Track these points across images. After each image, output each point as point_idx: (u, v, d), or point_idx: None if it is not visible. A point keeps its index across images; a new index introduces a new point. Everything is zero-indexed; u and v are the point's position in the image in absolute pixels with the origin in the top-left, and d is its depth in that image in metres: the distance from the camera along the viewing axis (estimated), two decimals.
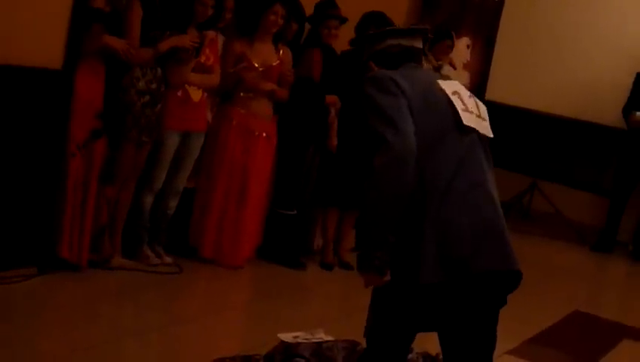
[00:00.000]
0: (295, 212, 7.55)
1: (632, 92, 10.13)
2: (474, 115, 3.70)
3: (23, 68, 5.79)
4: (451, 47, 9.44)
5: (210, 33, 6.82)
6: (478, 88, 10.68)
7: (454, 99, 3.66)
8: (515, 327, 6.84)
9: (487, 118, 3.79)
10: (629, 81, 10.20)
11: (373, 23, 7.71)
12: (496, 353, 5.96)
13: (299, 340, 5.24)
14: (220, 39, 7.10)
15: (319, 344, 5.23)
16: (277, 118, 7.33)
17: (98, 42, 6.07)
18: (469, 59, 10.64)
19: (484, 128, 3.74)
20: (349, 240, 7.75)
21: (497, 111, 10.82)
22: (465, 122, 3.62)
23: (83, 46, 6.07)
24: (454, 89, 3.73)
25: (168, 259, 6.84)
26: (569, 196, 10.96)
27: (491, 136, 3.76)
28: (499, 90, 10.96)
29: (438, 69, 9.23)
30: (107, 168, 6.35)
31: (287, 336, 5.27)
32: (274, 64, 7.14)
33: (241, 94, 7.08)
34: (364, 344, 3.92)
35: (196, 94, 6.75)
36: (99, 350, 5.14)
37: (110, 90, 6.22)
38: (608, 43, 10.83)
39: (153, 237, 6.88)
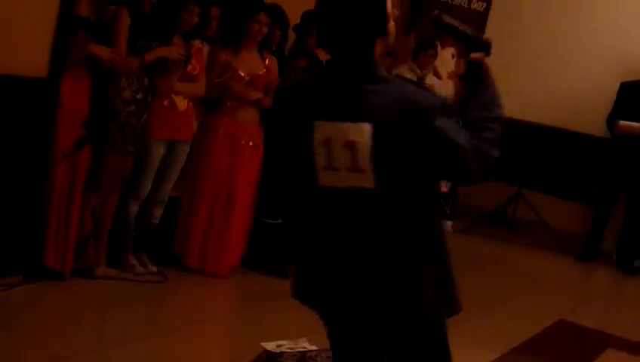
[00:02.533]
0: (280, 221, 7.54)
1: (616, 101, 10.16)
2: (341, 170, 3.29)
3: (8, 76, 5.78)
4: (434, 56, 9.48)
5: (196, 42, 6.83)
6: (462, 98, 10.71)
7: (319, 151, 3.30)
8: (499, 336, 6.88)
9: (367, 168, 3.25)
10: (613, 90, 10.22)
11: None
12: None
13: (283, 349, 5.25)
14: (206, 48, 7.11)
15: (303, 353, 5.24)
16: (264, 126, 7.33)
17: (84, 50, 6.07)
18: (453, 68, 10.66)
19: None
20: None
21: None
22: (320, 183, 3.37)
23: (69, 54, 6.07)
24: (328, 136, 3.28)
25: (153, 268, 6.83)
26: (554, 205, 10.97)
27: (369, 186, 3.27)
28: None
29: (421, 79, 9.27)
30: (91, 177, 6.34)
31: (270, 345, 5.28)
32: (260, 73, 7.15)
33: (228, 103, 7.08)
34: None
35: (182, 103, 6.76)
36: (83, 359, 5.13)
37: (96, 99, 6.21)
38: (592, 53, 10.86)
39: (138, 246, 6.87)
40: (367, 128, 3.20)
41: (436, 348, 3.68)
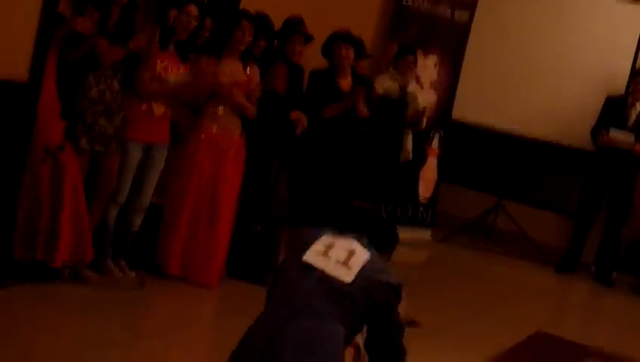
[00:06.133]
0: (259, 228, 7.54)
1: (601, 113, 10.19)
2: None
3: None
4: (414, 62, 9.48)
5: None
6: (444, 107, 10.74)
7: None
8: (477, 347, 6.89)
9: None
10: (596, 102, 10.27)
11: (340, 40, 7.79)
12: None
13: None
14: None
15: None
16: (245, 134, 7.33)
17: (68, 26, 6.07)
18: (436, 77, 10.69)
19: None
20: None
21: (464, 131, 11.01)
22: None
23: (54, 34, 6.04)
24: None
25: (132, 274, 6.81)
26: (534, 216, 11.01)
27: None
28: (465, 109, 11.00)
29: (403, 87, 9.28)
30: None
31: None
32: (241, 81, 7.13)
33: (211, 109, 7.05)
34: None
35: (159, 109, 6.75)
36: None
37: (66, 100, 6.23)
38: (576, 65, 10.90)
39: (117, 252, 6.85)
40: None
41: None
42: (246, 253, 7.49)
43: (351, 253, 4.20)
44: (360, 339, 4.40)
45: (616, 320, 9.30)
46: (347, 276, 4.11)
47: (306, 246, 4.23)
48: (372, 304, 4.14)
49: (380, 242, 4.47)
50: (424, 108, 9.43)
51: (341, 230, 4.42)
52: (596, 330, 8.84)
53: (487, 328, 7.55)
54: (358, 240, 4.31)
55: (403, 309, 4.42)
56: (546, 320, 8.34)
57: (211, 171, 7.09)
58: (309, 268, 4.15)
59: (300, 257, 4.19)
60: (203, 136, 7.07)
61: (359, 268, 4.15)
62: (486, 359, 6.64)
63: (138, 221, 6.93)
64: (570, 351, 7.52)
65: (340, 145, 7.84)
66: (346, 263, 4.15)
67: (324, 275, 4.11)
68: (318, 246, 4.22)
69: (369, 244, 4.34)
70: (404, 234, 9.98)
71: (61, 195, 6.09)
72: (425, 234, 10.56)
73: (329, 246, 4.21)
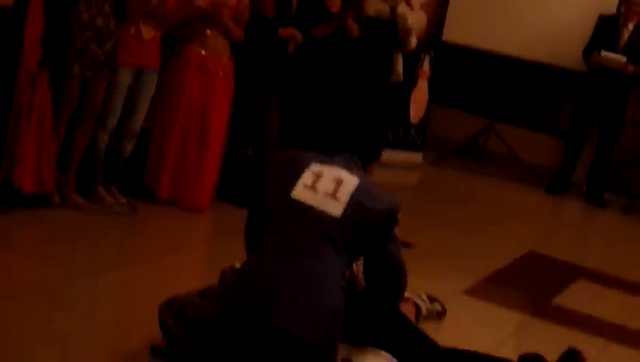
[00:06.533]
0: (250, 152, 7.51)
1: (593, 34, 10.16)
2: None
3: None
4: None
5: None
6: (435, 29, 10.65)
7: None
8: (470, 267, 6.92)
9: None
10: (588, 22, 10.21)
11: None
12: (451, 293, 6.07)
13: None
14: None
15: None
16: (233, 58, 7.26)
17: None
18: None
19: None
20: None
21: (454, 53, 10.94)
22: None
23: None
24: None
25: (123, 200, 6.79)
26: (525, 138, 10.99)
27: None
28: (456, 31, 10.93)
29: (394, 9, 9.18)
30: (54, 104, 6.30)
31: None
32: (230, 3, 7.05)
33: (198, 32, 6.97)
34: None
35: (148, 32, 6.66)
36: (52, 290, 5.11)
37: (54, 26, 6.14)
38: None
39: (108, 178, 6.82)
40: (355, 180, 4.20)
41: None
42: (237, 176, 7.46)
43: (339, 183, 4.18)
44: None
45: (608, 239, 9.35)
46: (336, 209, 4.10)
47: (293, 178, 4.21)
48: (364, 232, 4.14)
49: (365, 150, 4.50)
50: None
51: (330, 151, 4.44)
52: (588, 250, 8.88)
53: (480, 249, 7.57)
54: (346, 166, 4.29)
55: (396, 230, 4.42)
56: (537, 240, 8.36)
57: (200, 93, 7.03)
58: (298, 205, 4.14)
59: (289, 193, 4.17)
60: (191, 59, 7.00)
61: (348, 198, 4.14)
62: (479, 279, 6.67)
63: (129, 147, 6.88)
64: (562, 270, 7.56)
65: (331, 66, 7.78)
66: (334, 195, 4.14)
67: (313, 211, 4.11)
68: (306, 178, 4.19)
69: (356, 164, 4.35)
70: (396, 157, 10.08)
71: (26, 123, 6.06)
72: (416, 157, 10.55)
73: (317, 177, 4.19)
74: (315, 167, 4.22)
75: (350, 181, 4.20)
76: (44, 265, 5.54)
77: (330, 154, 4.42)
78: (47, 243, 5.93)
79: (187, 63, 7.00)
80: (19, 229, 6.03)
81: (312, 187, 4.14)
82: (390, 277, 4.35)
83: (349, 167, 4.30)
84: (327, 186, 4.14)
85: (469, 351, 4.64)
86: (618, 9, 10.30)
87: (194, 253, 6.60)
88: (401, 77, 9.48)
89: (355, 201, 4.13)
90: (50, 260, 5.65)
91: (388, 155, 9.94)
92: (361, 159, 4.42)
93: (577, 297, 6.83)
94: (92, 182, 6.71)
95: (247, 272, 4.13)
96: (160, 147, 7.06)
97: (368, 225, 4.13)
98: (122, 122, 6.76)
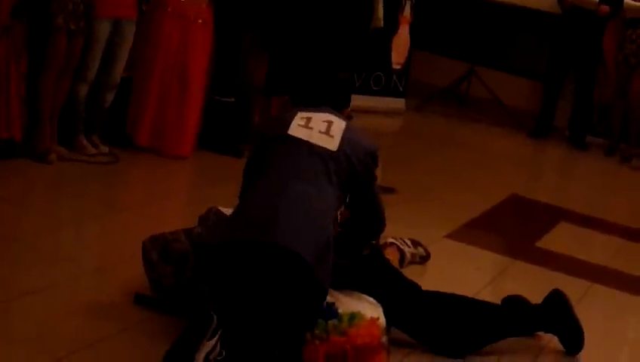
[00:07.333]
0: (233, 99, 7.48)
1: None
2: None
3: None
4: None
5: None
6: None
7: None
8: (452, 211, 6.95)
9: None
10: None
11: None
12: (434, 237, 6.09)
13: None
14: None
15: None
16: (212, 4, 7.20)
17: None
18: None
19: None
20: None
21: None
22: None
23: None
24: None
25: (105, 149, 6.77)
26: (507, 82, 11.00)
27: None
28: None
29: None
30: (40, 58, 6.25)
31: (225, 210, 5.24)
32: None
33: None
34: None
35: None
36: (36, 240, 5.10)
37: None
38: None
39: (89, 128, 6.79)
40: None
41: None
42: (219, 124, 7.43)
43: (329, 123, 4.30)
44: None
45: (590, 182, 9.37)
46: (331, 144, 4.22)
47: (285, 123, 4.30)
48: (354, 168, 4.25)
49: (333, 98, 4.66)
50: None
51: (312, 103, 4.55)
52: (570, 193, 8.91)
53: (463, 193, 7.59)
54: (330, 111, 4.41)
55: (378, 175, 4.47)
56: (520, 184, 8.39)
57: (179, 40, 6.99)
58: (296, 140, 4.23)
59: (285, 132, 4.25)
60: (169, 5, 6.94)
61: (341, 135, 4.27)
62: (462, 223, 6.69)
63: (110, 97, 6.85)
64: (545, 213, 7.59)
65: (311, 12, 7.73)
66: (327, 132, 4.26)
67: (311, 145, 4.21)
68: (298, 120, 4.29)
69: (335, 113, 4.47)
70: (378, 103, 10.06)
71: None
72: (399, 103, 10.51)
73: (308, 119, 4.29)
74: (302, 114, 4.35)
75: (339, 122, 4.34)
76: (27, 215, 5.53)
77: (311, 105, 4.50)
78: (30, 194, 5.91)
79: (164, 10, 6.95)
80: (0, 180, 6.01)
81: (306, 126, 4.27)
82: (374, 215, 4.51)
83: (332, 113, 4.41)
84: (319, 126, 4.27)
85: (452, 294, 4.65)
86: None
87: (177, 200, 6.59)
88: (382, 22, 9.42)
89: (347, 139, 4.26)
90: (33, 210, 5.64)
91: (370, 102, 9.96)
92: (332, 107, 4.54)
93: (560, 239, 6.87)
94: (74, 132, 6.68)
95: (249, 203, 4.19)
96: (140, 95, 7.02)
97: (358, 163, 4.26)
98: (102, 73, 6.71)
